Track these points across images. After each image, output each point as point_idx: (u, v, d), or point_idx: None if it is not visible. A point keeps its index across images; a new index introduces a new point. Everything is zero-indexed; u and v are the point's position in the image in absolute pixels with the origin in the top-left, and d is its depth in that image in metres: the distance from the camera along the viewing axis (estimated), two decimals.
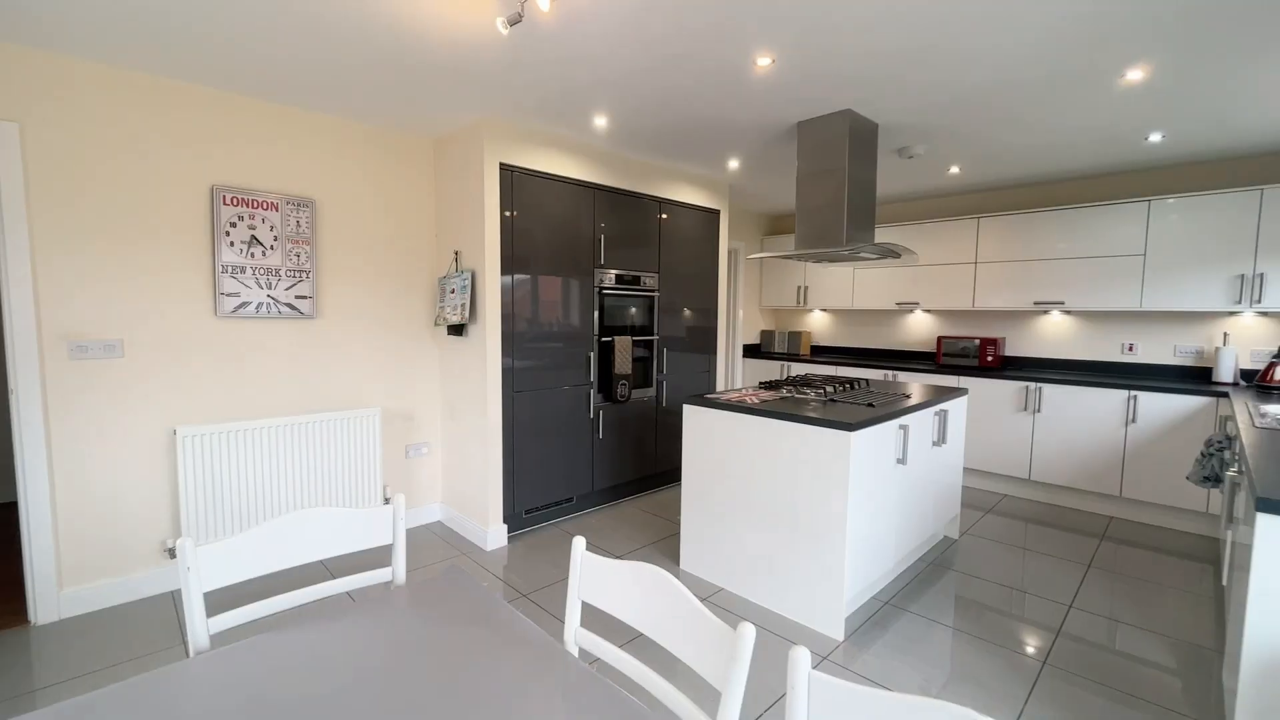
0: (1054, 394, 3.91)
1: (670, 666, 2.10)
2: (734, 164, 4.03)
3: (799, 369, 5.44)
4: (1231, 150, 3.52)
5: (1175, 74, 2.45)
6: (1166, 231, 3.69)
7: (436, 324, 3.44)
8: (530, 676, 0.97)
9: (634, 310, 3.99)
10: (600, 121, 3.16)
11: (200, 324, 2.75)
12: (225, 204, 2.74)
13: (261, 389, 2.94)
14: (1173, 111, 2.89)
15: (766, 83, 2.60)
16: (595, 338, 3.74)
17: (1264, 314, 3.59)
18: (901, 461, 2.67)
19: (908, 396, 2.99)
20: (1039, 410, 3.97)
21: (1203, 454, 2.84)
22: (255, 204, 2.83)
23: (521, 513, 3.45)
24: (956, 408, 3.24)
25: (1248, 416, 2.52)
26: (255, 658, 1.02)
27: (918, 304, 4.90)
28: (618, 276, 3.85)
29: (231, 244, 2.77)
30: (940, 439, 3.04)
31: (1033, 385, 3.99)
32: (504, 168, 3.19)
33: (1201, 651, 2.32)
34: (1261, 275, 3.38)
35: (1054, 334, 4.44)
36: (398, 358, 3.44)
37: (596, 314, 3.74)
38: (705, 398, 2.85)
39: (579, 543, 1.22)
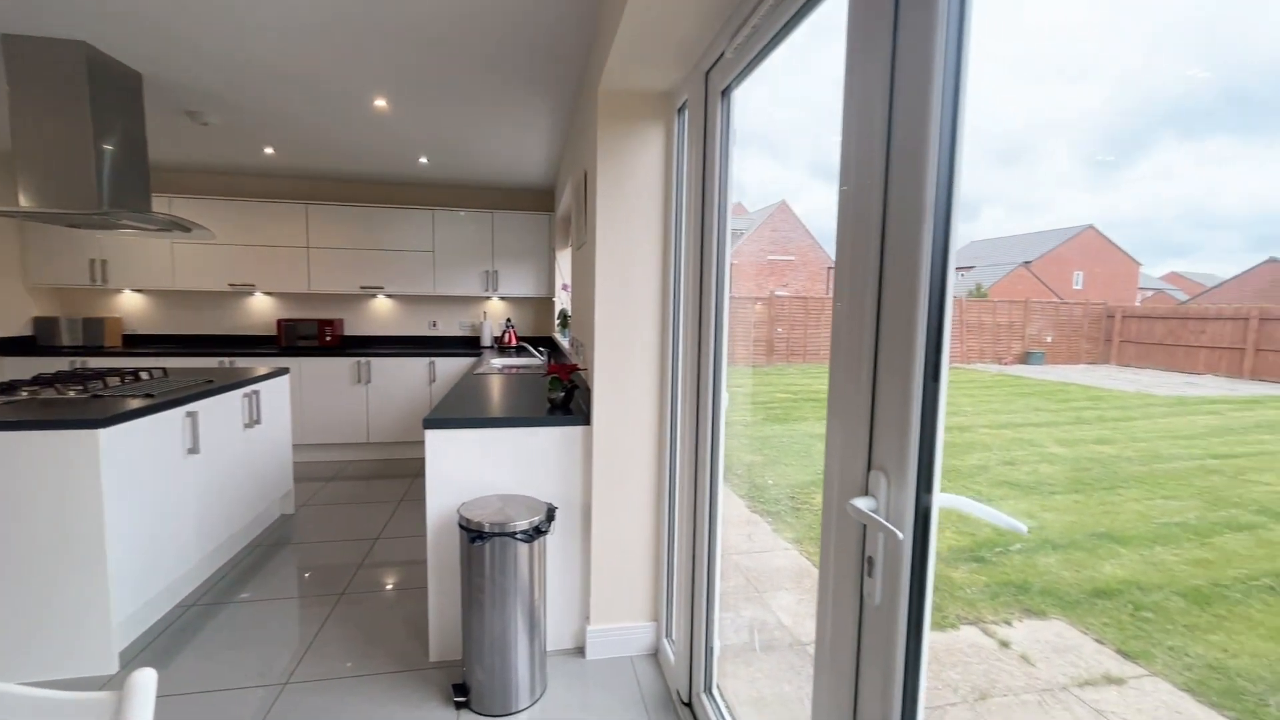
0: (381, 366, 4.57)
1: None
2: None
3: (101, 364, 4.27)
4: (476, 181, 4.95)
5: (411, 114, 3.21)
6: (446, 235, 4.87)
7: None
8: None
9: None
10: None
11: None
12: None
13: None
14: (426, 142, 3.79)
15: None
16: None
17: (503, 299, 5.31)
18: (195, 451, 2.50)
19: (210, 381, 2.82)
20: (370, 381, 4.56)
21: None
22: None
23: None
24: (275, 387, 3.30)
25: (476, 367, 3.67)
26: None
27: (254, 286, 4.69)
28: None
29: None
30: (254, 419, 3.03)
31: (363, 360, 4.53)
32: None
33: None
34: (497, 272, 4.96)
35: (382, 314, 5.17)
36: None
37: None
38: None
39: None
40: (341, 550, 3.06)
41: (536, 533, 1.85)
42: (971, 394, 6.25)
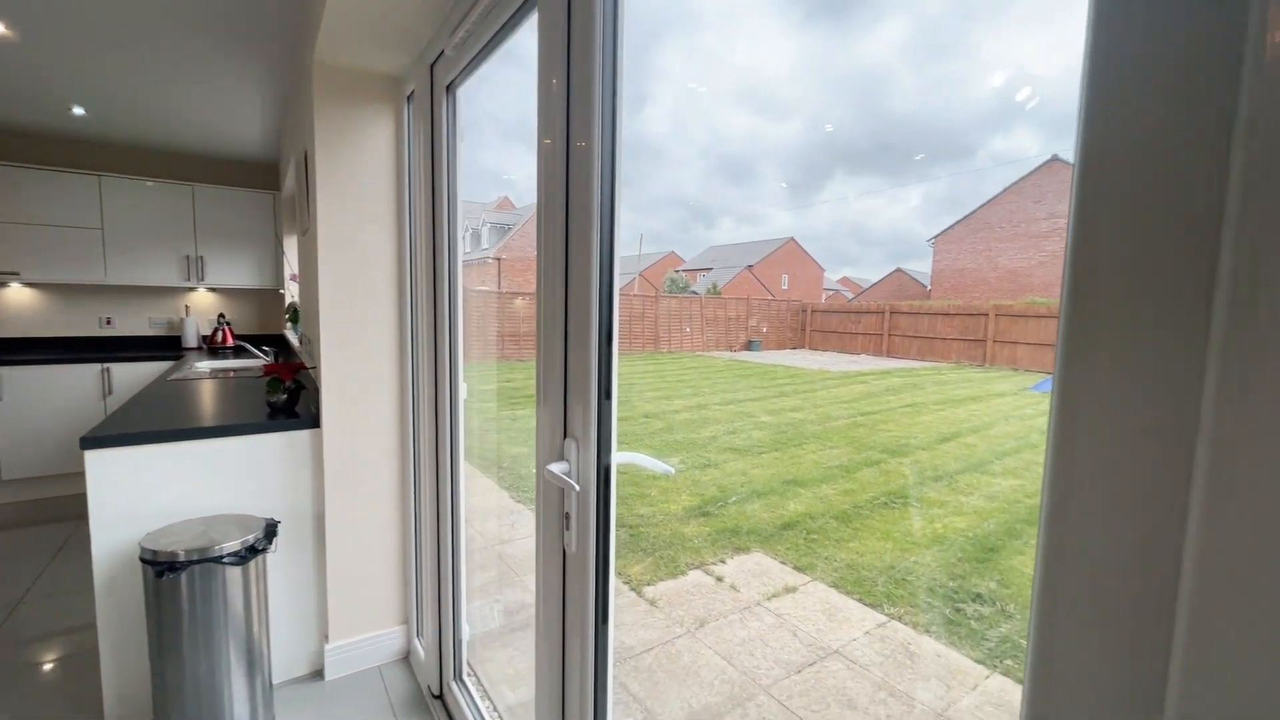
0: (17, 377, 3.44)
1: None
2: None
3: None
4: (170, 145, 4.03)
5: (50, 49, 2.48)
6: (121, 209, 3.87)
7: None
8: None
9: None
10: None
11: None
12: None
13: None
14: (80, 89, 2.97)
15: None
16: None
17: (211, 289, 4.43)
18: None
19: None
20: (1, 399, 3.40)
21: None
22: None
23: None
24: None
25: (172, 372, 3.02)
26: None
27: None
28: None
29: None
30: None
31: None
32: None
33: None
34: (202, 257, 4.13)
35: (19, 309, 3.89)
36: None
37: None
38: None
39: None
40: None
41: (252, 553, 1.64)
42: (709, 377, 7.27)
